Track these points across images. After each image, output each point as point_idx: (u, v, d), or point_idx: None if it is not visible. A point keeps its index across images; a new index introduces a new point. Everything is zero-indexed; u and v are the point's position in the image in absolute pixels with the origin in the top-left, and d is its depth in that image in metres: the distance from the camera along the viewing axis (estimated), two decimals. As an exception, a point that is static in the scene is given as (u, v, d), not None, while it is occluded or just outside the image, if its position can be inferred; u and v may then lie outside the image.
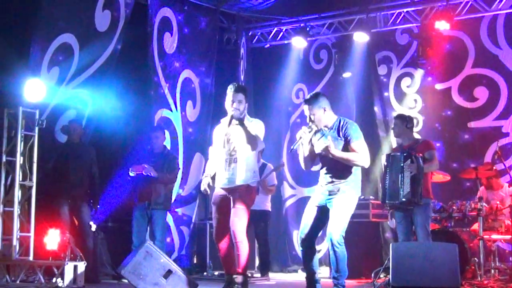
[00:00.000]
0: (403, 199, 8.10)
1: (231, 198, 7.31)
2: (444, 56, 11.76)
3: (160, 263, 7.42)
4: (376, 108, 12.36)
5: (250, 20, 13.50)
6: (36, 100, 8.60)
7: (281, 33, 13.40)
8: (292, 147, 7.05)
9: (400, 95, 12.42)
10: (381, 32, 12.44)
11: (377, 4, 12.20)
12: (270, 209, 10.79)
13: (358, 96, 12.59)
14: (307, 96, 7.22)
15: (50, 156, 9.23)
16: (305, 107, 7.04)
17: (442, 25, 11.14)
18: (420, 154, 8.21)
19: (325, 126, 7.01)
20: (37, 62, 9.26)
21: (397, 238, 9.37)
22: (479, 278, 8.95)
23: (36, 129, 8.54)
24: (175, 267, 7.55)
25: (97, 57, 10.11)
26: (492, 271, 9.41)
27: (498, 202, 9.62)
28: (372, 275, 7.08)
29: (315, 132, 7.04)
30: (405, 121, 8.75)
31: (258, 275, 10.71)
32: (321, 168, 7.13)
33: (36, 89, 8.56)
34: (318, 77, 13.43)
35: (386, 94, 12.49)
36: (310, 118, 6.97)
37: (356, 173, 6.97)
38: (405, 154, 8.19)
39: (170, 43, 11.73)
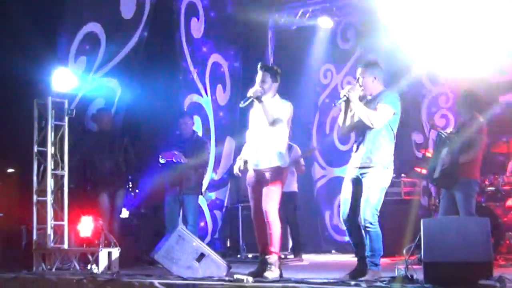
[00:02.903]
0: (434, 182, 8.39)
1: (263, 179, 7.36)
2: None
3: (192, 247, 7.46)
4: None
5: (275, 2, 13.44)
6: (64, 90, 8.66)
7: (308, 14, 13.33)
8: (335, 102, 7.07)
9: (430, 72, 12.29)
10: (408, 8, 12.32)
11: (403, -20, 12.09)
12: (297, 190, 10.77)
13: (386, 74, 12.45)
14: (364, 60, 7.36)
15: (82, 146, 9.32)
16: (358, 70, 7.05)
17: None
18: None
19: (370, 94, 7.00)
20: (64, 52, 9.33)
21: (429, 215, 9.36)
22: (514, 253, 8.92)
23: (66, 118, 8.60)
24: (207, 250, 7.59)
25: (124, 45, 10.15)
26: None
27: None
28: (404, 252, 7.04)
29: (361, 100, 6.96)
30: (464, 96, 8.61)
31: (292, 256, 10.73)
32: (355, 142, 7.11)
33: (64, 79, 8.62)
34: (346, 56, 13.38)
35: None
36: (358, 80, 7.00)
37: (388, 146, 6.91)
38: (447, 140, 8.15)
39: (197, 28, 11.77)
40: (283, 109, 7.42)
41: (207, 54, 11.96)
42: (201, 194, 9.93)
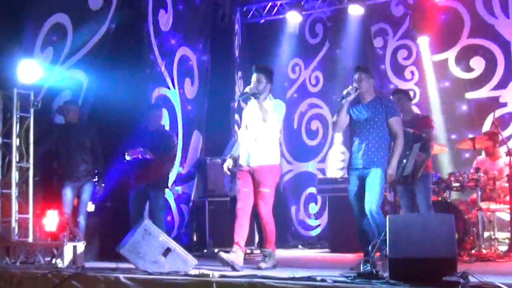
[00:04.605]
0: (401, 178, 8.23)
1: (254, 177, 7.69)
2: (439, 27, 11.73)
3: (159, 241, 7.40)
4: (372, 81, 12.33)
5: (244, -5, 13.46)
6: (30, 81, 8.55)
7: (276, 7, 13.38)
8: (339, 99, 7.57)
9: (396, 67, 12.41)
10: (376, 4, 12.42)
11: (371, -24, 12.18)
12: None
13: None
14: (362, 66, 7.97)
15: (48, 138, 9.25)
16: (357, 73, 7.54)
17: (437, -5, 11.16)
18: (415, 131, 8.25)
19: (363, 98, 7.55)
20: (30, 42, 9.20)
21: (396, 211, 9.43)
22: (478, 249, 8.98)
23: (32, 110, 8.50)
24: (174, 244, 7.54)
25: (91, 36, 10.03)
26: (491, 241, 9.41)
27: (496, 172, 9.58)
28: (370, 248, 7.10)
29: (357, 104, 7.54)
30: (397, 95, 8.85)
31: (258, 251, 10.71)
32: (356, 139, 7.58)
33: (30, 70, 8.51)
34: (314, 51, 13.44)
35: (382, 66, 12.48)
36: (356, 81, 7.48)
37: (387, 147, 7.48)
38: (416, 135, 8.22)
39: (165, 20, 11.66)
40: (279, 108, 7.78)
41: (175, 47, 11.88)
42: (168, 188, 9.90)
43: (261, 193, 7.64)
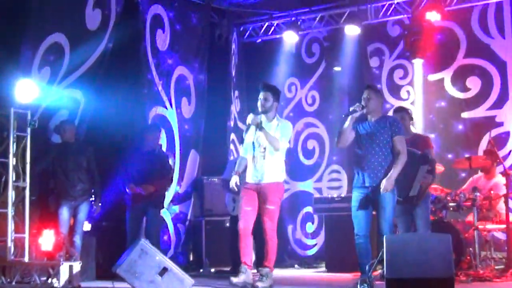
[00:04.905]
0: (406, 198, 8.08)
1: (261, 194, 7.81)
2: (436, 47, 11.75)
3: (155, 261, 7.41)
4: (368, 101, 12.36)
5: (241, 15, 13.48)
6: (27, 101, 8.57)
7: (273, 27, 13.40)
8: (344, 115, 7.61)
9: (392, 87, 12.44)
10: (372, 24, 12.46)
11: (368, -4, 12.23)
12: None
13: (350, 89, 12.58)
14: (372, 84, 8.14)
15: (45, 157, 9.24)
16: (366, 91, 7.54)
17: (433, 16, 11.20)
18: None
19: (371, 116, 7.53)
20: (27, 62, 9.21)
21: (393, 230, 9.40)
22: (475, 268, 8.96)
23: (29, 130, 8.52)
24: (170, 264, 7.54)
25: (88, 56, 10.05)
26: (488, 260, 9.39)
27: (492, 192, 9.57)
28: (367, 267, 7.10)
29: (363, 121, 7.53)
30: (399, 113, 8.78)
31: (254, 270, 10.68)
32: (360, 157, 7.52)
33: (27, 90, 8.52)
34: (310, 71, 13.45)
35: (378, 86, 12.47)
36: (365, 100, 7.47)
37: (391, 166, 7.40)
38: (423, 156, 8.17)
39: (163, 40, 11.71)
40: (285, 132, 7.91)
41: (172, 67, 11.90)
42: (166, 208, 9.89)
43: (267, 209, 7.75)
